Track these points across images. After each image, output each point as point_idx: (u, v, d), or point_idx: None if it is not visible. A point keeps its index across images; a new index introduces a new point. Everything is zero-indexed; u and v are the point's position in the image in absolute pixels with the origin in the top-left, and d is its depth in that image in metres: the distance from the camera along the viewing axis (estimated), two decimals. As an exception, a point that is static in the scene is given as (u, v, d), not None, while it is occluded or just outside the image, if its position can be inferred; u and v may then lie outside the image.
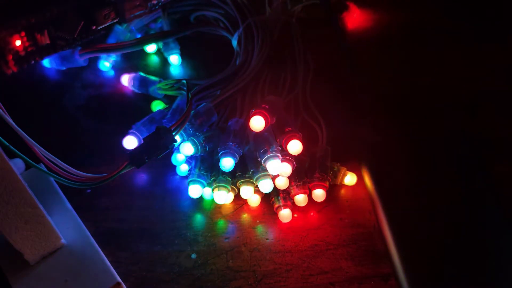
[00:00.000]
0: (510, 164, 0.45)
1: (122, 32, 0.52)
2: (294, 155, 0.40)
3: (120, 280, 0.34)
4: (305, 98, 0.48)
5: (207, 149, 0.40)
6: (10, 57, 0.29)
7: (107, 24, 0.34)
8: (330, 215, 0.41)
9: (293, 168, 0.40)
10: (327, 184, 0.41)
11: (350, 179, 0.43)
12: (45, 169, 0.31)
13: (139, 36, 0.54)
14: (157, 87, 0.47)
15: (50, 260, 0.35)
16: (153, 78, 0.49)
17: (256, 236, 0.40)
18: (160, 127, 0.35)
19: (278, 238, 0.40)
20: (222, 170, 0.39)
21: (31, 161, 0.29)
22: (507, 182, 0.43)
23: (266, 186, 0.39)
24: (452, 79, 0.53)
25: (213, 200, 0.41)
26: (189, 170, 0.42)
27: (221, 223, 0.41)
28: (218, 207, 0.41)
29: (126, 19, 0.35)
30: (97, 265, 0.35)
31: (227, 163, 0.39)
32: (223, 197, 0.40)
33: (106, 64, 0.52)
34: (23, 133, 0.29)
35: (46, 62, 0.51)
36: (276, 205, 0.40)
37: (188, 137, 0.40)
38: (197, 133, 0.40)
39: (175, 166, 0.43)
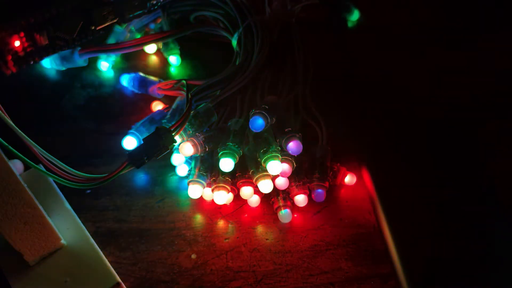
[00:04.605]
0: (510, 163, 0.45)
1: (122, 32, 0.52)
2: (294, 155, 0.40)
3: (120, 280, 0.34)
4: (305, 98, 0.48)
5: (207, 150, 0.40)
6: (10, 57, 0.29)
7: (106, 24, 0.34)
8: (330, 215, 0.41)
9: (293, 168, 0.40)
10: (327, 184, 0.41)
11: (350, 179, 0.43)
12: (44, 169, 0.31)
13: (138, 36, 0.54)
14: (157, 87, 0.47)
15: (50, 261, 0.35)
16: (153, 78, 0.49)
17: (256, 237, 0.40)
18: (159, 127, 0.35)
19: (278, 238, 0.40)
20: (221, 171, 0.39)
21: (30, 161, 0.29)
22: (507, 182, 0.43)
23: (266, 186, 0.39)
24: (452, 79, 0.53)
25: (213, 200, 0.41)
26: (189, 170, 0.42)
27: (221, 223, 0.41)
28: (218, 208, 0.41)
29: (125, 19, 0.35)
30: (97, 265, 0.35)
31: (227, 163, 0.39)
32: (223, 197, 0.40)
33: (105, 64, 0.52)
34: (22, 133, 0.29)
35: (45, 62, 0.51)
36: (276, 205, 0.40)
37: (188, 137, 0.40)
38: (197, 133, 0.40)
39: (174, 167, 0.43)
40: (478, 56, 0.55)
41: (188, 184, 0.40)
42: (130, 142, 0.42)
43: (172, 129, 0.35)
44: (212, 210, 0.41)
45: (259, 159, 0.39)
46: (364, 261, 0.38)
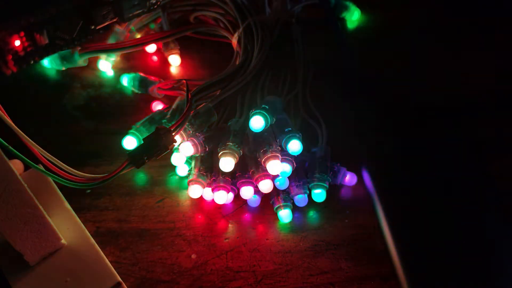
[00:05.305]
0: (510, 163, 0.45)
1: (122, 32, 0.52)
2: (294, 155, 0.40)
3: (120, 280, 0.34)
4: (305, 98, 0.48)
5: (207, 149, 0.40)
6: (10, 57, 0.29)
7: (106, 23, 0.34)
8: (330, 215, 0.41)
9: (293, 168, 0.40)
10: (327, 184, 0.41)
11: (350, 179, 0.42)
12: (44, 169, 0.31)
13: (138, 36, 0.54)
14: (157, 87, 0.47)
15: (50, 261, 0.35)
16: (153, 78, 0.49)
17: (256, 236, 0.40)
18: (159, 127, 0.34)
19: (278, 238, 0.40)
20: (221, 171, 0.39)
21: (30, 161, 0.29)
22: (507, 182, 0.43)
23: (266, 186, 0.39)
24: (452, 78, 0.53)
25: (213, 200, 0.41)
26: (189, 170, 0.42)
27: (221, 223, 0.41)
28: (218, 207, 0.41)
29: (125, 19, 0.35)
30: (97, 265, 0.35)
31: (227, 163, 0.39)
32: (223, 197, 0.40)
33: (105, 64, 0.52)
34: (22, 133, 0.29)
35: (45, 62, 0.51)
36: (276, 205, 0.40)
37: (188, 137, 0.40)
38: (197, 133, 0.40)
39: (174, 167, 0.43)
40: (478, 55, 0.55)
41: (188, 184, 0.40)
42: (130, 142, 0.42)
43: (172, 129, 0.35)
44: (212, 210, 0.41)
45: (259, 159, 0.39)
46: (364, 261, 0.38)
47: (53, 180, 0.36)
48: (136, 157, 0.33)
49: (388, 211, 0.40)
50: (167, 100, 0.49)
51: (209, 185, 0.40)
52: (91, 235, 0.37)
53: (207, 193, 0.41)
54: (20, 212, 0.31)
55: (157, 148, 0.34)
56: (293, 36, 0.53)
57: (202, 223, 0.40)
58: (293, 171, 0.40)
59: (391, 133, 0.46)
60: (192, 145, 0.39)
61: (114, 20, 0.34)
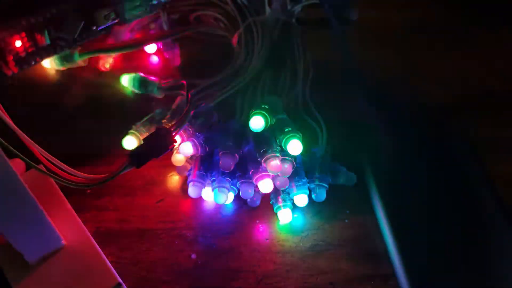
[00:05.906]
0: (510, 164, 0.45)
1: (122, 32, 0.52)
2: (294, 155, 0.40)
3: (120, 280, 0.34)
4: (305, 98, 0.48)
5: (207, 149, 0.40)
6: (11, 58, 0.29)
7: (108, 24, 0.34)
8: (330, 215, 0.41)
9: (293, 168, 0.40)
10: (326, 184, 0.41)
11: (349, 179, 0.42)
12: (44, 170, 0.31)
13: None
14: (157, 87, 0.47)
15: (50, 261, 0.35)
16: (153, 78, 0.49)
17: (256, 236, 0.40)
18: (159, 127, 0.35)
19: (278, 238, 0.40)
20: (222, 170, 0.39)
21: (30, 161, 0.29)
22: (507, 182, 0.43)
23: (266, 186, 0.39)
24: (453, 79, 0.53)
25: (213, 200, 0.41)
26: (189, 170, 0.42)
27: (221, 223, 0.41)
28: (218, 207, 0.41)
29: (126, 20, 0.35)
30: (98, 265, 0.35)
31: (227, 163, 0.39)
32: (223, 197, 0.40)
33: (106, 64, 0.52)
34: (23, 133, 0.29)
35: (45, 62, 0.51)
36: (276, 205, 0.40)
37: (188, 137, 0.40)
38: (197, 133, 0.40)
39: (175, 166, 0.43)
40: (479, 56, 0.55)
41: (188, 184, 0.40)
42: (130, 142, 0.42)
43: (172, 129, 0.35)
44: (212, 210, 0.41)
45: (259, 159, 0.39)
46: (364, 261, 0.38)
47: (54, 180, 0.36)
48: (136, 157, 0.33)
49: (388, 211, 0.40)
50: (167, 100, 0.49)
51: (209, 185, 0.40)
52: (91, 235, 0.37)
53: (207, 193, 0.41)
54: (21, 212, 0.31)
55: (157, 148, 0.34)
56: (293, 36, 0.53)
57: (202, 223, 0.40)
58: (293, 171, 0.40)
59: (392, 133, 0.46)
60: (192, 145, 0.39)
61: (116, 21, 0.34)
